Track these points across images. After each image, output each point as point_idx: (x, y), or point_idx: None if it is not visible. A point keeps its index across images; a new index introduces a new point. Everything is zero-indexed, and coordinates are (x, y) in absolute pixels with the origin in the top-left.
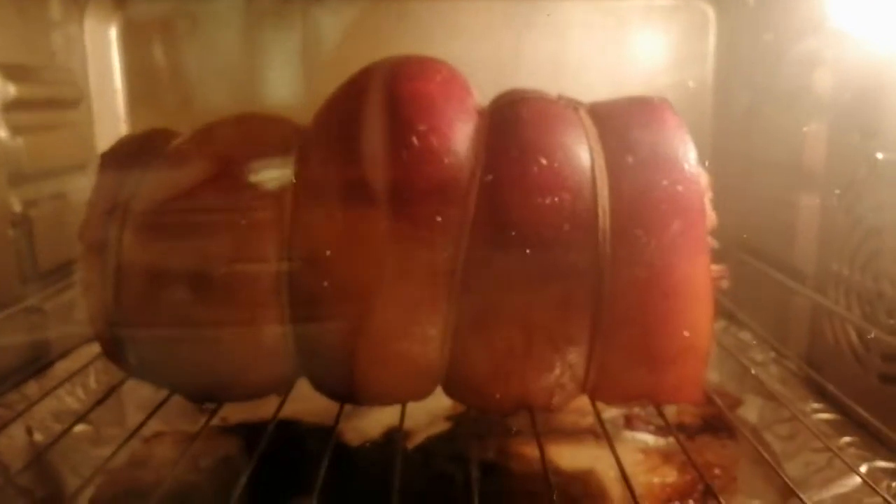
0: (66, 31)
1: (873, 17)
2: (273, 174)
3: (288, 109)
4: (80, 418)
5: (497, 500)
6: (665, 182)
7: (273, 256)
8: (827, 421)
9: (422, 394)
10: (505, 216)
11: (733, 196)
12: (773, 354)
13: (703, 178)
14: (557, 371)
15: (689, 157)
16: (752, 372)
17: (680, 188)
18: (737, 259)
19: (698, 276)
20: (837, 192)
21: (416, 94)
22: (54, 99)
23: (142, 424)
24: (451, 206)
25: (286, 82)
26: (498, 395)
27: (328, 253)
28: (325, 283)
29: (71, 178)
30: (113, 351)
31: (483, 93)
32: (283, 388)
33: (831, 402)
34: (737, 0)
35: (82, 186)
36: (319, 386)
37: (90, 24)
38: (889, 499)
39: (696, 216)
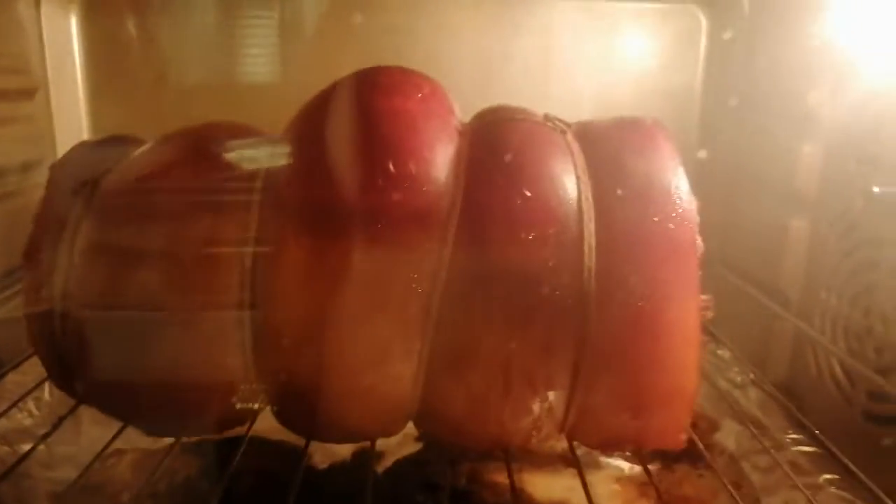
0: (19, 15)
1: (878, 42)
2: (237, 196)
3: (264, 89)
4: (31, 450)
5: None
6: (656, 218)
7: (235, 284)
8: (806, 454)
9: (392, 431)
10: (486, 250)
11: (718, 209)
12: (752, 376)
13: (695, 212)
14: (536, 413)
15: (681, 190)
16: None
17: (672, 226)
18: (719, 275)
19: (688, 317)
20: (829, 221)
21: (394, 113)
22: (6, 90)
23: (106, 447)
24: (429, 237)
25: (264, 61)
26: (473, 435)
27: (294, 283)
28: (290, 315)
29: (26, 175)
30: (60, 378)
31: (468, 94)
32: (245, 422)
33: (811, 435)
34: (731, 7)
35: (38, 184)
36: (284, 420)
37: (47, 8)
38: None
39: (688, 255)
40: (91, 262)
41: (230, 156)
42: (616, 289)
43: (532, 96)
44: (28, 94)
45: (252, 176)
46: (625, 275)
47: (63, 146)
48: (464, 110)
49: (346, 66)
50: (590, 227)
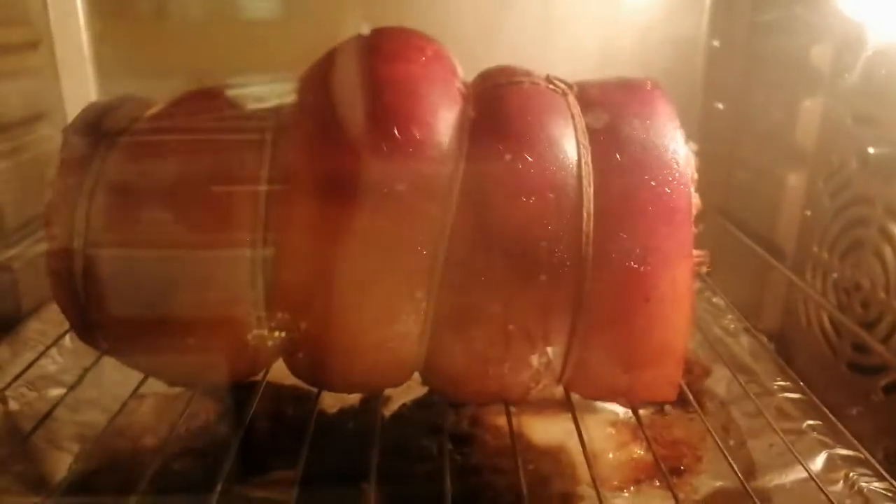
0: None
1: (884, 7)
2: (247, 163)
3: (268, 24)
4: (59, 402)
5: (468, 477)
6: (653, 183)
7: (247, 244)
8: (792, 401)
9: (398, 383)
10: (488, 214)
11: (721, 161)
12: (744, 325)
13: (691, 175)
14: (534, 368)
15: (678, 156)
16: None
17: (668, 190)
18: (717, 224)
19: (681, 280)
20: (825, 177)
21: (397, 78)
22: (9, 43)
23: (135, 391)
24: (433, 202)
25: None
26: (474, 390)
27: (303, 244)
28: (301, 274)
29: (33, 127)
30: (84, 332)
31: (468, 44)
32: (259, 372)
33: (798, 382)
34: None
35: (46, 136)
36: (296, 372)
37: None
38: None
39: (683, 220)
40: (110, 210)
41: (240, 112)
42: (612, 252)
43: (532, 49)
44: (32, 45)
45: (260, 144)
46: (621, 239)
47: (70, 96)
48: (463, 61)
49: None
50: (588, 193)
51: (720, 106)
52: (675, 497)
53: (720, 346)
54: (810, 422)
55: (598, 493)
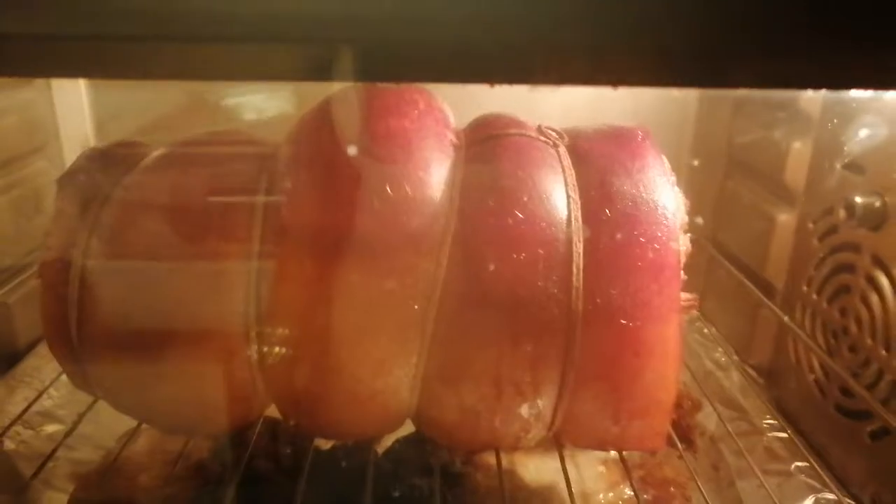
0: None
1: None
2: (239, 217)
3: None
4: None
5: None
6: (642, 239)
7: (240, 299)
8: (781, 440)
9: (390, 430)
10: (479, 269)
11: (711, 190)
12: (736, 358)
13: (682, 221)
14: (525, 419)
15: (668, 211)
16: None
17: (657, 246)
18: (708, 255)
19: (670, 334)
20: (814, 219)
21: (389, 135)
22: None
23: (131, 435)
24: (425, 257)
25: None
26: (466, 439)
27: (296, 298)
28: (294, 327)
29: (27, 162)
30: (78, 378)
31: (460, 91)
32: (253, 421)
33: (787, 420)
34: None
35: (42, 170)
36: (288, 420)
37: None
38: None
39: (672, 276)
40: (104, 279)
41: (231, 171)
42: (602, 307)
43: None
44: (27, 80)
45: (252, 198)
46: (610, 295)
47: (65, 128)
48: (454, 104)
49: None
50: (578, 248)
51: (712, 135)
52: None
53: (711, 380)
54: (798, 463)
55: None
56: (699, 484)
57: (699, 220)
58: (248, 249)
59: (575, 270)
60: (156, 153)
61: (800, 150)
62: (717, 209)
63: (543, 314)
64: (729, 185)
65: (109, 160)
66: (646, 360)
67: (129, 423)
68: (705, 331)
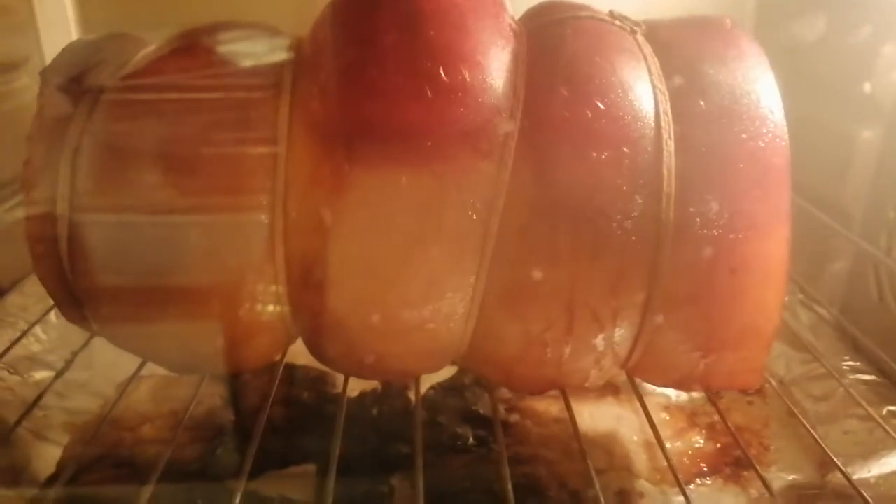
0: None
1: None
2: (262, 114)
3: None
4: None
5: (512, 469)
6: (745, 136)
7: (263, 209)
8: (866, 383)
9: (435, 369)
10: (550, 172)
11: None
12: (800, 296)
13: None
14: (599, 352)
15: (774, 103)
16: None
17: (762, 144)
18: None
19: (774, 250)
20: None
21: (441, 11)
22: None
23: (132, 378)
24: (485, 157)
25: None
26: (528, 376)
27: (329, 211)
28: (327, 244)
29: (11, 76)
30: (71, 311)
31: None
32: (276, 357)
33: (870, 362)
34: None
35: (26, 84)
36: (320, 357)
37: None
38: None
39: (779, 180)
40: (100, 171)
41: (250, 54)
42: (695, 217)
43: None
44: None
45: (276, 85)
46: (706, 202)
47: (48, 39)
48: None
49: None
50: (669, 147)
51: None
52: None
53: None
54: (891, 407)
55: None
56: (776, 431)
57: None
58: (274, 153)
59: (666, 173)
60: (149, 51)
61: (891, 54)
62: None
63: (627, 224)
64: (793, 104)
65: (97, 48)
66: (744, 278)
67: (127, 369)
68: None
